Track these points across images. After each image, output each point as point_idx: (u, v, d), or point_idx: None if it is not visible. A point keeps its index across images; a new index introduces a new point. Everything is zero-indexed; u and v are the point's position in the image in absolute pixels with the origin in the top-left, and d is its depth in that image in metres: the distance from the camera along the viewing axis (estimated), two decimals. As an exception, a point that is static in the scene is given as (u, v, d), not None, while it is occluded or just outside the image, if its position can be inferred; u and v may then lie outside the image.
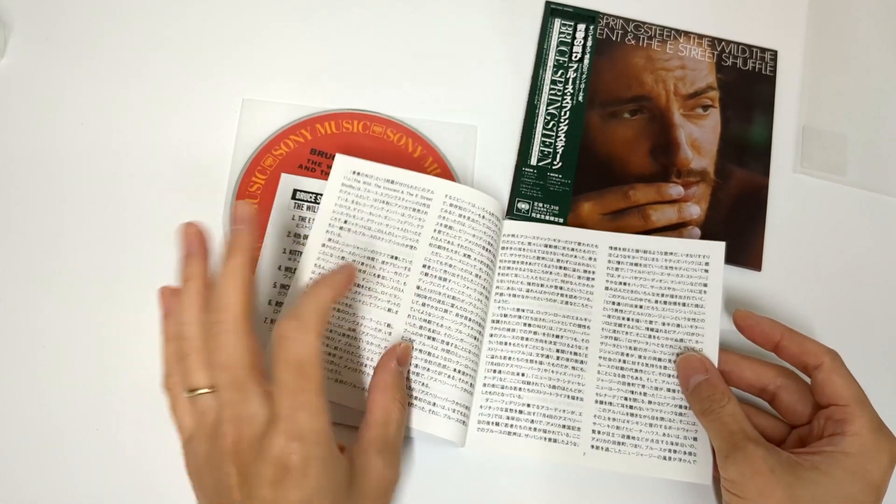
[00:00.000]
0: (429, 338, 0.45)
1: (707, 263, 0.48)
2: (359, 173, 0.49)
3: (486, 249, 0.48)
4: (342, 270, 0.40)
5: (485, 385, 0.46)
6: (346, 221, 0.48)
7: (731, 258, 0.50)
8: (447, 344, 0.45)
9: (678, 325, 0.47)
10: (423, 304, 0.46)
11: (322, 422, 0.36)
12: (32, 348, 0.46)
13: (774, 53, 0.57)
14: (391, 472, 0.39)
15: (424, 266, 0.47)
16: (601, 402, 0.46)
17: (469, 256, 0.47)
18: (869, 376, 0.46)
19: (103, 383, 0.46)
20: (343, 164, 0.49)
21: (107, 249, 0.49)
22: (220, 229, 0.49)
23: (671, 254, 0.48)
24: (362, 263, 0.47)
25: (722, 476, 0.40)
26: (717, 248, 0.48)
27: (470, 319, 0.46)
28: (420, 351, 0.45)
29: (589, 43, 0.56)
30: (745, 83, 0.56)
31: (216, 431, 0.37)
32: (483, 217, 0.48)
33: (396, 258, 0.47)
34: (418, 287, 0.46)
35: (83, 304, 0.47)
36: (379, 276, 0.46)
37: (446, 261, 0.47)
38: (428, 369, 0.45)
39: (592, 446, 0.45)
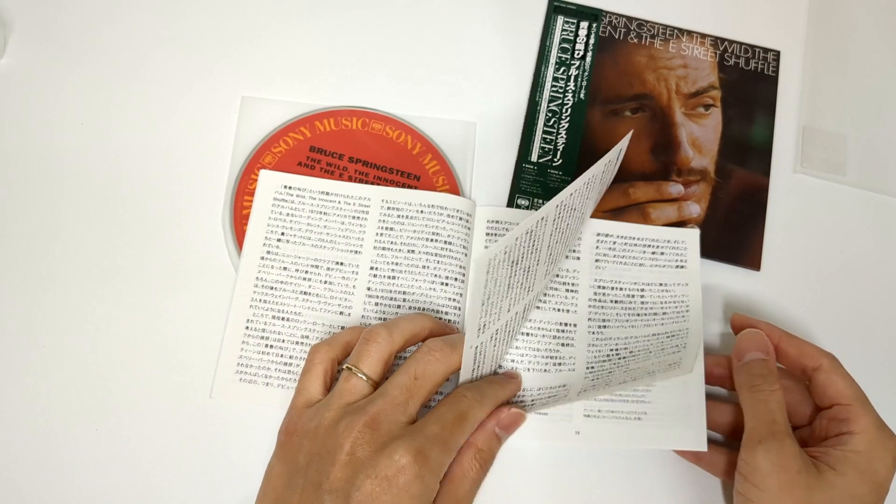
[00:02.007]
0: None
1: (685, 247, 0.50)
2: (290, 187, 0.50)
3: (432, 240, 0.49)
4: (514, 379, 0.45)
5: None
6: (283, 233, 0.49)
7: (731, 257, 0.50)
8: None
9: (664, 302, 0.48)
10: (377, 304, 0.47)
11: (443, 466, 0.39)
12: (32, 348, 0.46)
13: (777, 54, 0.57)
14: None
15: (372, 269, 0.48)
16: (592, 378, 0.46)
17: (413, 251, 0.48)
18: (868, 376, 0.46)
19: (103, 383, 0.46)
20: (271, 180, 0.50)
21: (106, 249, 0.49)
22: (219, 228, 0.49)
23: (652, 247, 0.50)
24: (306, 271, 0.48)
25: (745, 461, 0.40)
26: (692, 235, 0.50)
27: (424, 309, 0.47)
28: None
29: (591, 41, 0.56)
30: (747, 83, 0.56)
31: (356, 408, 0.39)
32: (422, 212, 0.49)
33: (342, 264, 0.48)
34: (368, 288, 0.48)
35: (83, 304, 0.47)
36: (327, 282, 0.48)
37: (392, 260, 0.48)
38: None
39: (585, 419, 0.45)
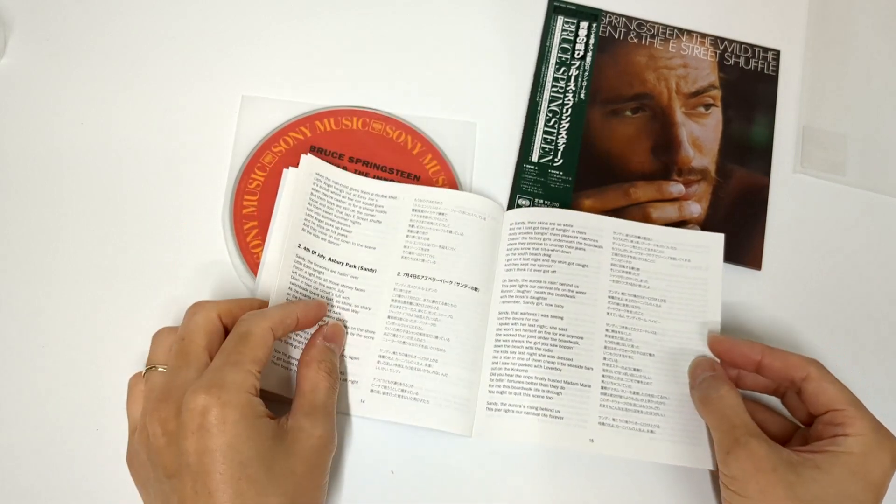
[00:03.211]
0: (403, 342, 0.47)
1: (707, 250, 0.49)
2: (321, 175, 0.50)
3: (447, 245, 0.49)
4: (317, 305, 0.45)
5: (494, 364, 0.46)
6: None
7: (732, 257, 0.50)
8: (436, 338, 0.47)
9: (682, 309, 0.48)
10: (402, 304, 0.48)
11: (246, 378, 0.38)
12: (32, 348, 0.46)
13: (777, 53, 0.57)
14: (320, 431, 0.39)
15: (399, 273, 0.48)
16: (606, 385, 0.46)
17: (444, 248, 0.49)
18: (868, 375, 0.46)
19: (103, 383, 0.46)
20: (312, 166, 0.50)
21: (106, 248, 0.49)
22: (219, 227, 0.49)
23: (674, 248, 0.49)
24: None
25: (722, 472, 0.40)
26: (716, 239, 0.49)
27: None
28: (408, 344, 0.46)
29: (591, 41, 0.56)
30: (747, 82, 0.56)
31: (150, 397, 0.39)
32: (443, 213, 0.50)
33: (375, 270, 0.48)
34: (395, 289, 0.48)
35: (83, 304, 0.47)
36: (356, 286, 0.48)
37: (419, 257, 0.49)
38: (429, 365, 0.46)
39: (600, 427, 0.45)
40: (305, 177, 0.49)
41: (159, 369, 0.40)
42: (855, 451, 0.39)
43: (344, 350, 0.46)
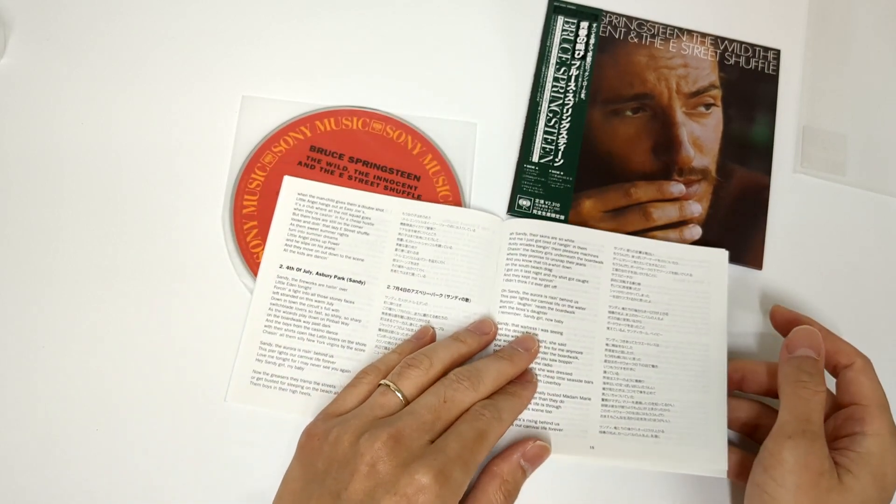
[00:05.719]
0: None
1: (709, 265, 0.49)
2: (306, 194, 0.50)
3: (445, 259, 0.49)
4: (525, 348, 0.46)
5: None
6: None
7: (733, 257, 0.50)
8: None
9: (685, 322, 0.48)
10: (394, 317, 0.48)
11: (464, 485, 0.38)
12: (31, 348, 0.46)
13: (777, 52, 0.57)
14: None
15: (389, 286, 0.48)
16: (606, 397, 0.46)
17: (434, 262, 0.49)
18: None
19: (103, 383, 0.46)
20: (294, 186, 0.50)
21: (106, 249, 0.49)
22: (219, 227, 0.49)
23: (675, 263, 0.49)
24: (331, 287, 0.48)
25: (770, 452, 0.39)
26: (720, 255, 0.50)
27: (444, 329, 0.48)
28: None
29: (592, 41, 0.56)
30: (748, 82, 0.56)
31: (383, 422, 0.39)
32: (432, 228, 0.50)
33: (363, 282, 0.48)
34: (385, 302, 0.48)
35: (82, 304, 0.47)
36: (343, 298, 0.48)
37: (409, 272, 0.49)
38: None
39: (601, 435, 0.45)
40: (287, 198, 0.50)
41: (398, 394, 0.41)
42: (874, 452, 0.39)
43: (337, 364, 0.46)
